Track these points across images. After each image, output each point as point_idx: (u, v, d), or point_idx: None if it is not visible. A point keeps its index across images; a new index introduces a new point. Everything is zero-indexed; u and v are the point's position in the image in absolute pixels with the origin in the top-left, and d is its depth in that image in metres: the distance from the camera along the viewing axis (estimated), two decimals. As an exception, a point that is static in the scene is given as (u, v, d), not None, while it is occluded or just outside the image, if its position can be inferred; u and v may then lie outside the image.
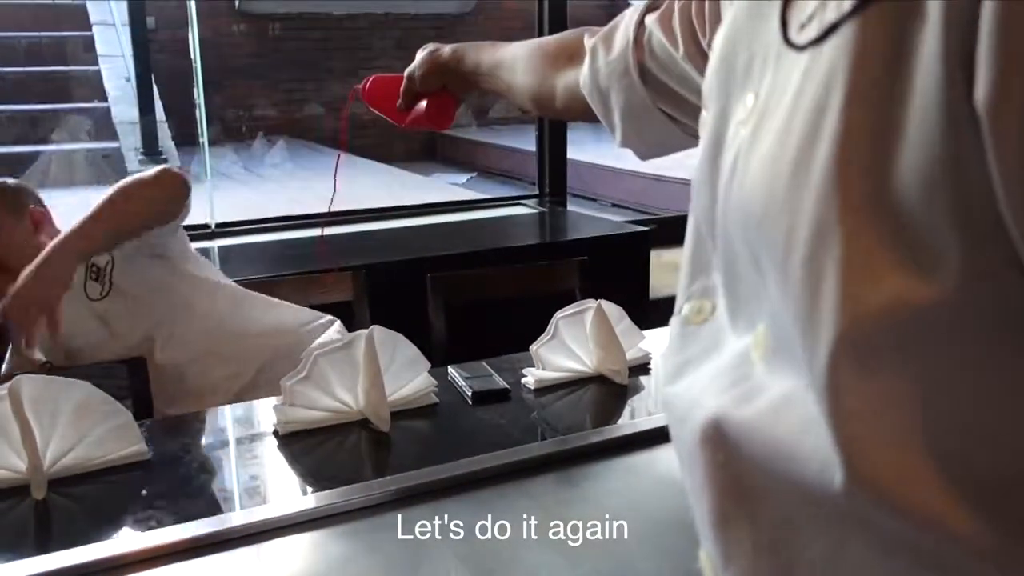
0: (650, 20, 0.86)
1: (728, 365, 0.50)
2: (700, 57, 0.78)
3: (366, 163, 7.51)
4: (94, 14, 7.04)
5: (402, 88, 1.29)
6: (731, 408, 0.47)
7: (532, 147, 7.15)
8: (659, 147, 0.95)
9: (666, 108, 0.88)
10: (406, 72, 1.28)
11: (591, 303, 1.70)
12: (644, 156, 0.98)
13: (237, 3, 8.11)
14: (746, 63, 0.49)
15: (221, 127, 7.71)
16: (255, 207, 3.56)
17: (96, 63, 6.66)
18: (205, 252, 3.06)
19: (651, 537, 1.16)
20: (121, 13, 6.98)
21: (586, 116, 1.00)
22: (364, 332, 1.49)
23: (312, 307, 2.21)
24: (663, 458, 1.39)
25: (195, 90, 3.32)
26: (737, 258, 0.48)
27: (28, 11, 7.13)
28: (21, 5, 7.15)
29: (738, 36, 0.50)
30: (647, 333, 1.78)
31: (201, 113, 3.28)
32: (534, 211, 3.74)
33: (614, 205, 5.82)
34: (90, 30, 6.94)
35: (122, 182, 1.74)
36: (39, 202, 1.87)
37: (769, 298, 0.45)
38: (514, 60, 1.11)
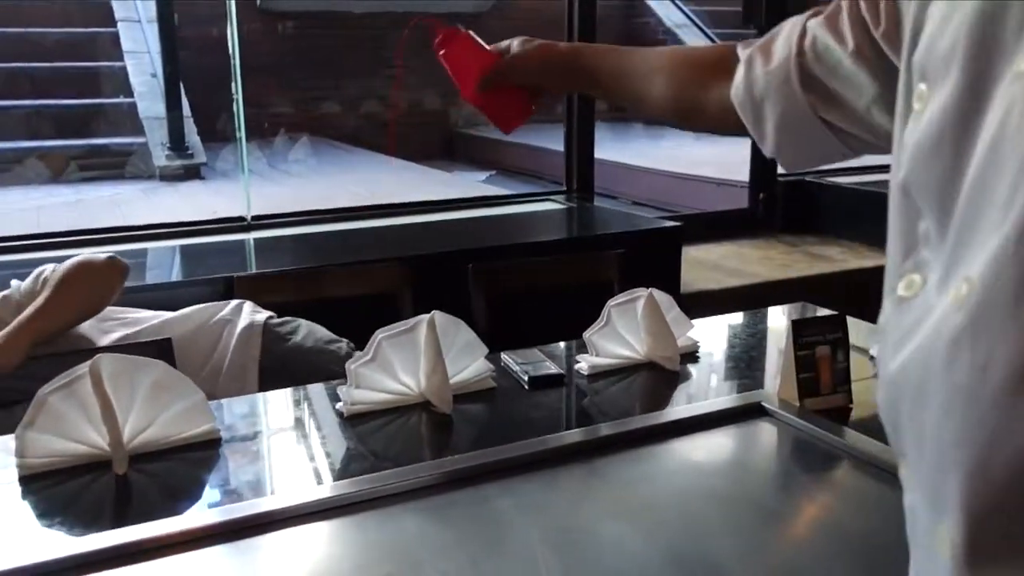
0: (813, 24, 0.87)
1: (943, 330, 0.50)
2: (872, 50, 0.79)
3: (386, 159, 7.56)
4: (119, 11, 7.11)
5: (491, 66, 1.20)
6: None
7: (551, 145, 7.16)
8: (813, 158, 0.95)
9: (827, 116, 0.88)
10: (499, 50, 1.21)
11: (642, 291, 1.73)
12: (794, 166, 0.97)
13: (259, 1, 8.16)
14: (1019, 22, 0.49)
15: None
16: (284, 202, 3.58)
17: (122, 59, 6.73)
18: (240, 244, 3.11)
19: (719, 514, 1.20)
20: (146, 10, 7.05)
21: (736, 127, 0.99)
22: (426, 317, 1.52)
23: (357, 297, 2.25)
24: (718, 442, 1.43)
25: (233, 86, 3.36)
26: (981, 214, 0.49)
27: (57, 8, 7.20)
28: (47, 2, 7.21)
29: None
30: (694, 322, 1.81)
31: (239, 109, 3.32)
32: (563, 206, 3.77)
33: (635, 203, 5.84)
34: (115, 27, 7.01)
35: (62, 271, 1.79)
36: None
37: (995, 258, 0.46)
38: (649, 70, 1.09)
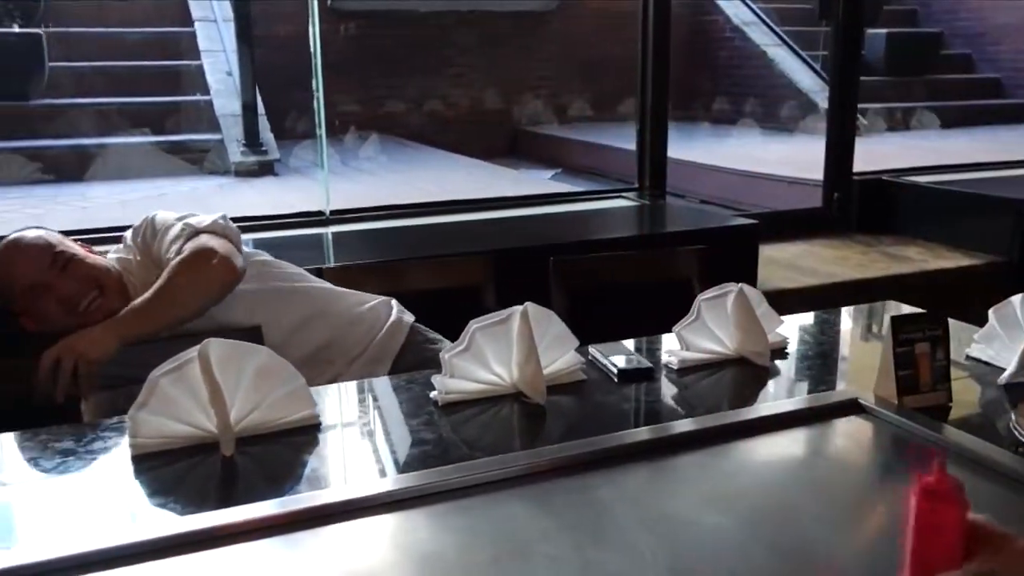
0: None
1: None
2: None
3: (453, 157, 7.64)
4: (196, 11, 7.30)
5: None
6: None
7: (615, 142, 7.13)
8: None
9: None
10: None
11: (732, 287, 1.72)
12: None
13: (329, 1, 8.28)
14: None
15: (310, 122, 7.87)
16: (357, 197, 3.64)
17: (199, 58, 6.90)
18: (319, 238, 3.16)
19: (819, 508, 1.19)
20: (222, 10, 7.21)
21: None
22: (519, 308, 1.53)
23: (440, 290, 2.28)
24: (815, 438, 1.42)
25: (313, 84, 3.42)
26: None
27: (134, 8, 7.42)
28: (127, 2, 7.43)
29: None
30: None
31: (319, 106, 3.38)
32: (636, 203, 3.76)
33: (702, 201, 5.78)
34: (192, 26, 7.19)
35: (176, 267, 1.72)
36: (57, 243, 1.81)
37: None
38: None
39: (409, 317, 2.01)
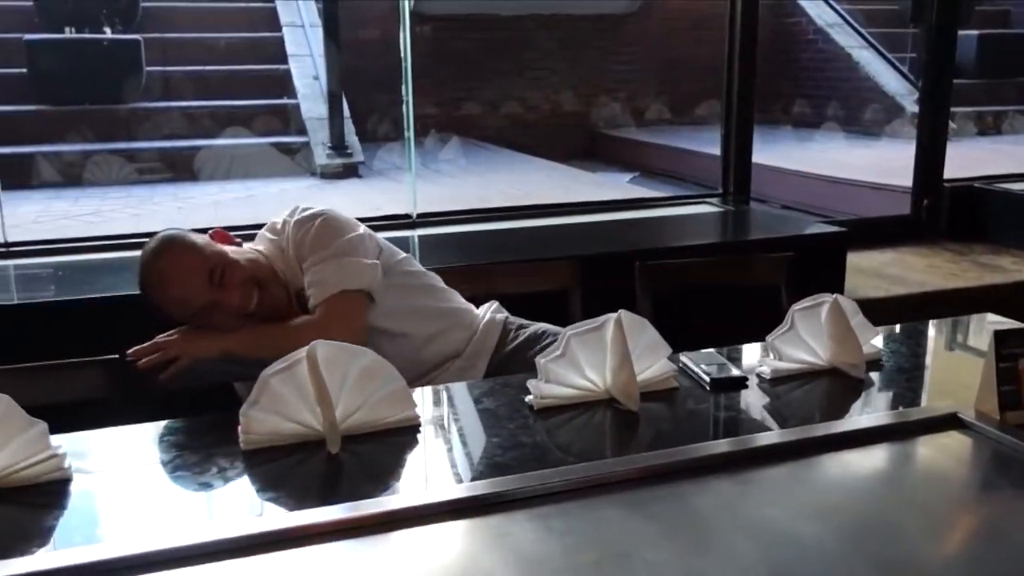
0: None
1: None
2: None
3: (532, 160, 7.68)
4: (284, 16, 7.49)
5: None
6: None
7: (695, 146, 7.07)
8: None
9: None
10: None
11: (827, 297, 1.71)
12: None
13: (411, 5, 8.41)
14: None
15: (392, 125, 8.00)
16: (439, 200, 3.70)
17: (286, 62, 7.09)
18: (405, 240, 3.22)
19: (921, 524, 1.18)
20: (309, 15, 7.39)
21: None
22: (613, 316, 1.55)
23: (526, 294, 2.31)
24: (914, 452, 1.40)
25: (403, 88, 3.49)
26: None
27: (225, 14, 7.65)
28: (219, 8, 7.68)
29: None
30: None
31: (408, 110, 3.44)
32: (720, 209, 3.74)
33: (784, 207, 5.70)
34: (280, 31, 7.39)
35: (307, 326, 1.72)
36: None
37: None
38: None
39: (502, 315, 2.04)
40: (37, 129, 6.35)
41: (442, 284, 2.03)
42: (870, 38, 8.94)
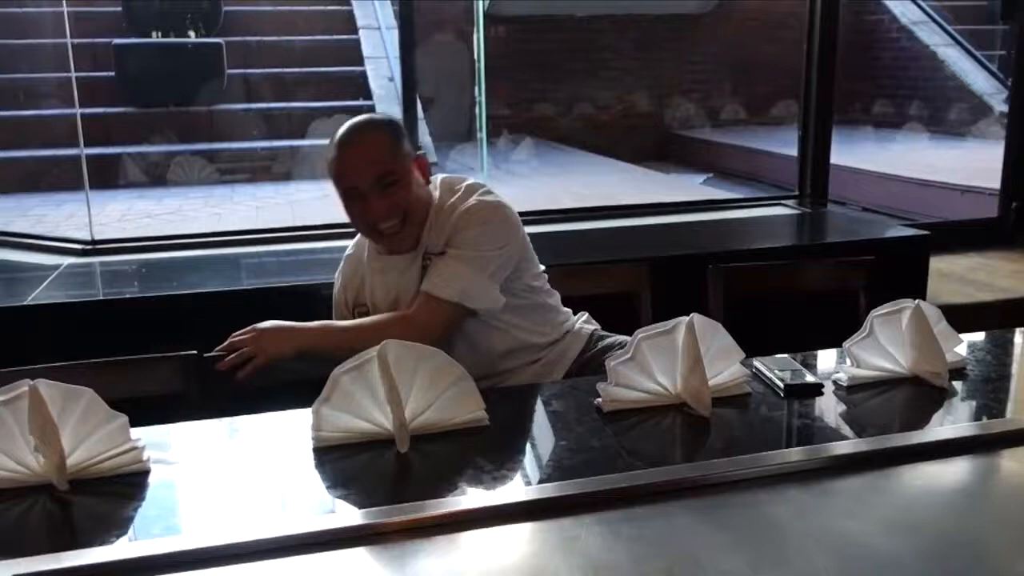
0: None
1: None
2: None
3: (604, 160, 7.64)
4: (360, 19, 7.60)
5: None
6: None
7: (770, 147, 6.93)
8: None
9: None
10: None
11: (908, 303, 1.66)
12: None
13: (485, 7, 8.45)
14: None
15: (465, 125, 8.05)
16: (510, 200, 3.71)
17: (362, 64, 7.19)
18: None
19: (1006, 542, 1.13)
20: (384, 17, 7.47)
21: None
22: (685, 319, 1.53)
23: (597, 296, 2.29)
24: (999, 465, 1.35)
25: (476, 90, 3.51)
26: None
27: (303, 17, 7.80)
28: (297, 12, 7.82)
29: None
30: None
31: (481, 111, 3.46)
32: (796, 211, 3.66)
33: (864, 209, 5.56)
34: (357, 33, 7.49)
35: (390, 326, 1.72)
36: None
37: None
38: None
39: (591, 326, 2.02)
40: (123, 130, 6.56)
41: (557, 302, 1.98)
42: (956, 35, 8.65)
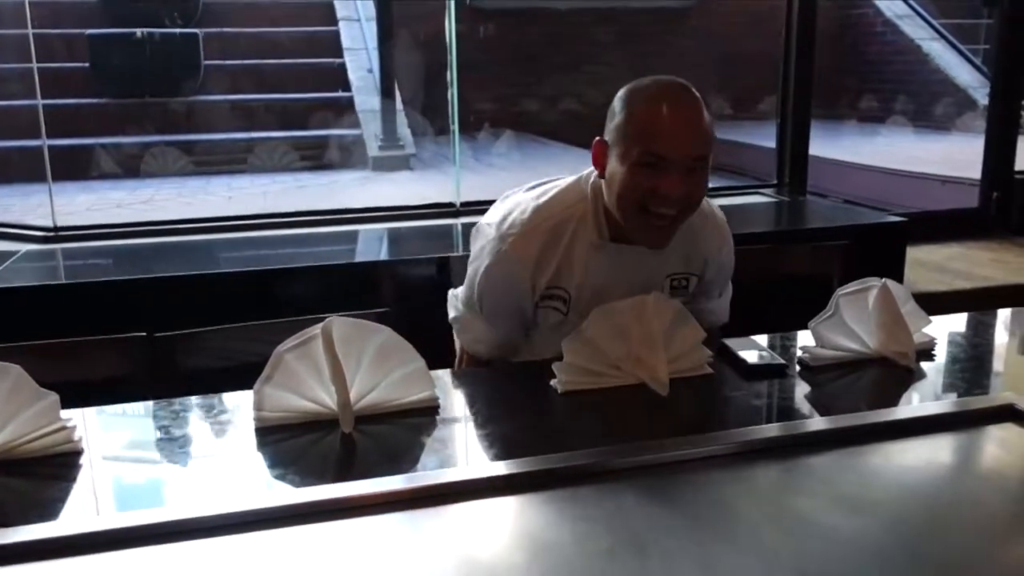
0: None
1: None
2: None
3: (586, 154, 7.57)
4: (340, 10, 7.53)
5: None
6: None
7: (756, 140, 6.92)
8: None
9: None
10: None
11: (875, 281, 1.61)
12: None
13: (469, 0, 8.39)
14: None
15: (446, 118, 8.01)
16: (487, 191, 3.66)
17: (342, 56, 7.12)
18: (449, 229, 3.19)
19: (969, 519, 1.09)
20: (365, 9, 7.41)
21: None
22: (643, 297, 1.48)
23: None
24: (964, 444, 1.30)
25: (448, 82, 3.46)
26: None
27: (283, 9, 7.73)
28: (277, 3, 7.75)
29: None
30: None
31: (453, 103, 3.41)
32: (774, 200, 3.63)
33: (847, 201, 5.53)
34: (336, 25, 7.43)
35: None
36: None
37: None
38: None
39: None
40: (97, 122, 6.48)
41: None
42: (941, 29, 8.64)
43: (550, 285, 1.61)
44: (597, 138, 1.57)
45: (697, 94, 1.51)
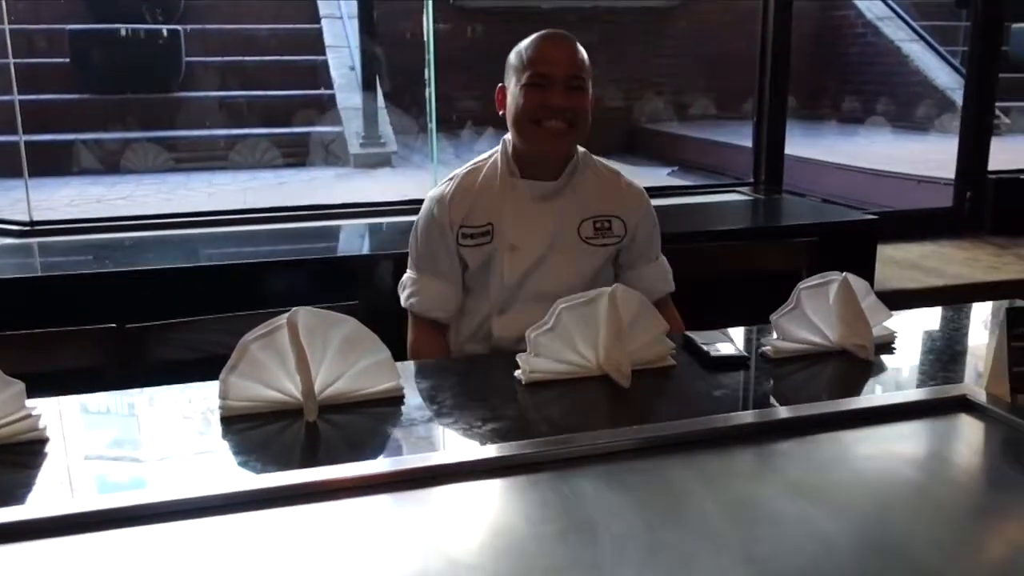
0: None
1: None
2: None
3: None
4: (323, 8, 7.54)
5: None
6: None
7: (735, 140, 6.97)
8: None
9: None
10: None
11: (835, 275, 1.64)
12: None
13: (452, -1, 8.41)
14: None
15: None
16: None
17: (324, 53, 7.13)
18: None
19: (916, 505, 1.12)
20: (348, 7, 7.42)
21: None
22: (608, 289, 1.51)
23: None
24: (916, 433, 1.33)
25: (426, 79, 3.47)
26: None
27: (266, 6, 7.72)
28: (259, 0, 7.75)
29: None
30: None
31: (431, 100, 3.43)
32: (749, 198, 3.66)
33: (825, 200, 5.58)
34: (319, 22, 7.43)
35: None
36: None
37: None
38: None
39: None
40: (78, 117, 6.46)
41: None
42: (921, 31, 8.71)
43: (465, 224, 1.86)
44: (500, 84, 1.89)
45: (574, 38, 1.86)
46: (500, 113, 1.89)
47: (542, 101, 1.79)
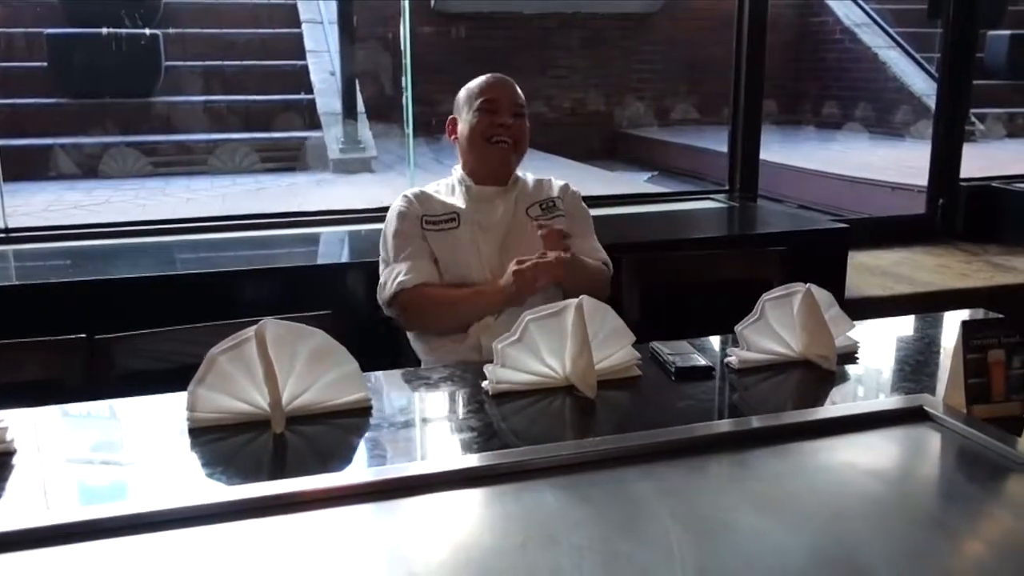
0: None
1: None
2: None
3: (549, 157, 7.64)
4: (304, 13, 7.53)
5: None
6: None
7: (714, 146, 7.03)
8: None
9: None
10: None
11: (799, 286, 1.67)
12: None
13: (432, 2, 8.41)
14: None
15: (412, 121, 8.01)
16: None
17: (304, 58, 7.12)
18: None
19: (872, 516, 1.14)
20: (328, 12, 7.42)
21: None
22: (574, 301, 1.53)
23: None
24: (874, 444, 1.36)
25: (403, 84, 3.49)
26: None
27: (246, 10, 7.71)
28: (240, 4, 7.73)
29: None
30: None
31: (408, 105, 3.44)
32: (724, 205, 3.69)
33: (801, 206, 5.63)
34: (300, 27, 7.42)
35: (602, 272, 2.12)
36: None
37: None
38: None
39: None
40: (56, 122, 6.43)
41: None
42: (898, 38, 8.80)
43: (428, 215, 2.09)
44: (450, 116, 2.19)
45: (513, 80, 2.21)
46: (452, 139, 2.19)
47: (492, 121, 2.11)
